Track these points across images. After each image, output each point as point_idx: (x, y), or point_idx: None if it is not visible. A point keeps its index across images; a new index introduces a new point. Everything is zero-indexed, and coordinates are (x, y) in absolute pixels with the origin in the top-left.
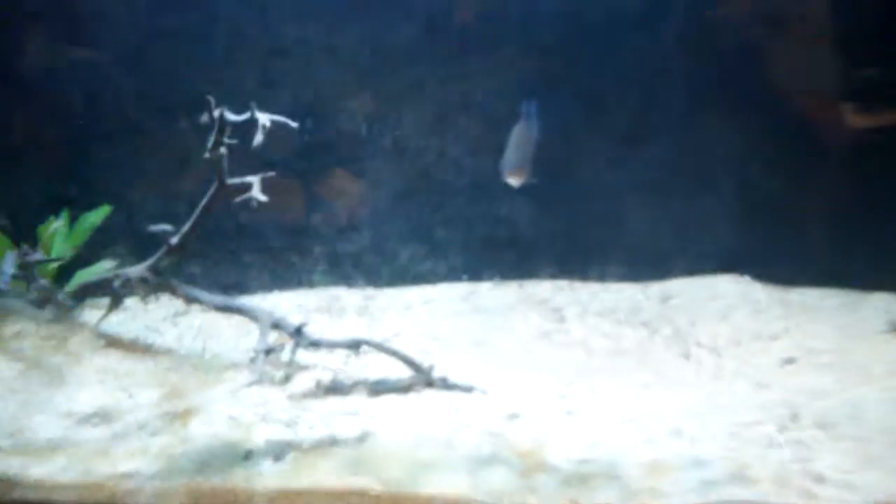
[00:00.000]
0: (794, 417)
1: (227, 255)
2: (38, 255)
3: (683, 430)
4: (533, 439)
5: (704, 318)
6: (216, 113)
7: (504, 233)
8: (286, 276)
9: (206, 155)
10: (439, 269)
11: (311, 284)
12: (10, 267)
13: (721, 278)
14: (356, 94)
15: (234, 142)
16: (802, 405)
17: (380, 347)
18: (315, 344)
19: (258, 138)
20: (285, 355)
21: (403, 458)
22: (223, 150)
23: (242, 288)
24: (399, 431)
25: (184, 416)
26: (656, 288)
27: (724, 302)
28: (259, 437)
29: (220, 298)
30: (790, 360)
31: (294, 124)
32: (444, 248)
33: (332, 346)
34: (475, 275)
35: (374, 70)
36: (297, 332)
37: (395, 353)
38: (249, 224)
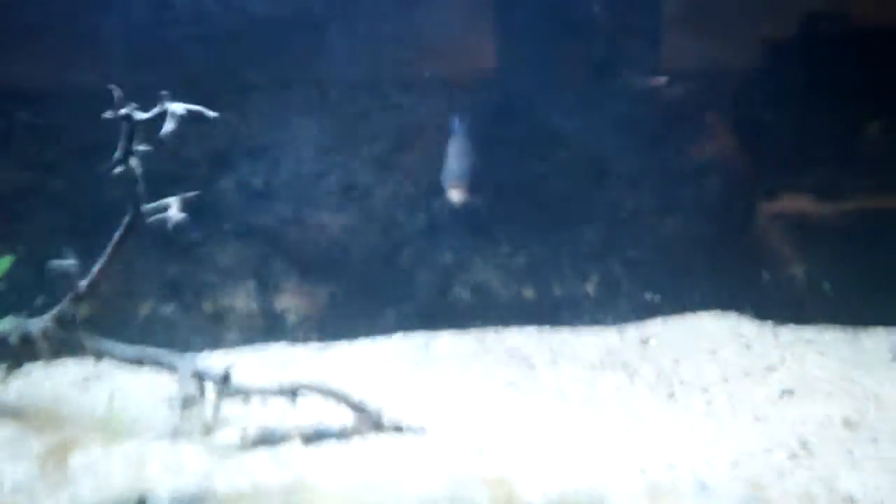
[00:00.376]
0: (804, 444)
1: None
2: None
3: (677, 462)
4: (502, 475)
5: (689, 356)
6: (123, 111)
7: (461, 278)
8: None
9: (116, 169)
10: (392, 319)
11: (252, 341)
12: None
13: (705, 315)
14: (296, 129)
15: (147, 149)
16: (811, 433)
17: (318, 389)
18: (243, 392)
19: (168, 126)
20: (208, 408)
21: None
22: (135, 162)
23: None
24: (340, 478)
25: (73, 477)
26: (633, 330)
27: (709, 339)
28: (163, 489)
29: (133, 349)
30: (789, 392)
31: (212, 114)
32: (397, 296)
33: (264, 392)
34: (431, 324)
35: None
36: (223, 380)
37: (336, 395)
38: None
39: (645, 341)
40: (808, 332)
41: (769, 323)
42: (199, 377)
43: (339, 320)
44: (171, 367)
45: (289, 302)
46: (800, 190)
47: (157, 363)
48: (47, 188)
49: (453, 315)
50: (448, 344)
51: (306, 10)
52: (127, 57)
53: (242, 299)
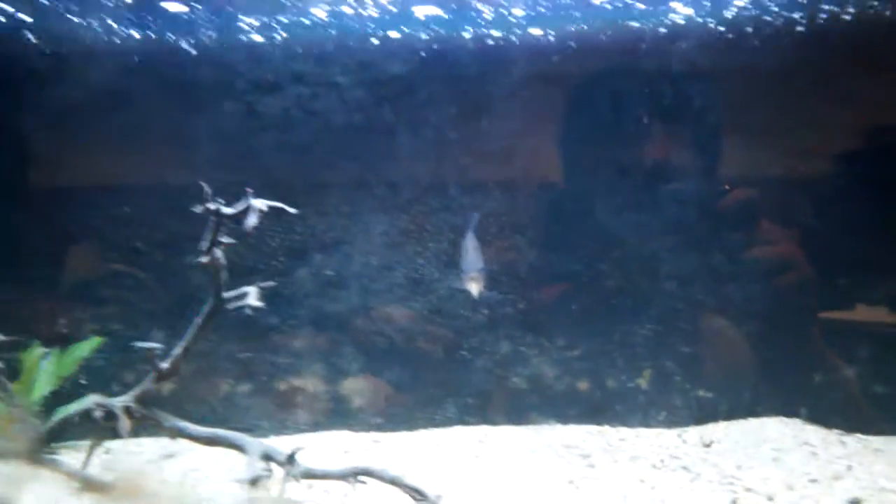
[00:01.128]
0: None
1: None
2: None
3: None
4: None
5: (752, 461)
6: (210, 206)
7: (522, 373)
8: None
9: (202, 259)
10: (452, 410)
11: (319, 424)
12: None
13: (768, 421)
14: (367, 226)
15: (231, 242)
16: None
17: (382, 476)
18: (309, 475)
19: (251, 220)
20: (275, 488)
21: None
22: (219, 253)
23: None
24: None
25: None
26: (694, 431)
27: (773, 445)
28: None
29: (207, 431)
30: (856, 502)
31: (292, 210)
32: (457, 388)
33: (328, 476)
34: (490, 418)
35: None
36: (290, 461)
37: (396, 482)
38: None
39: (707, 444)
40: (877, 442)
41: (835, 431)
42: (267, 458)
43: (402, 409)
44: (241, 448)
45: (355, 388)
46: (868, 300)
47: (229, 443)
48: (136, 274)
49: (511, 407)
50: (506, 437)
51: (379, 118)
52: (217, 158)
53: (312, 383)
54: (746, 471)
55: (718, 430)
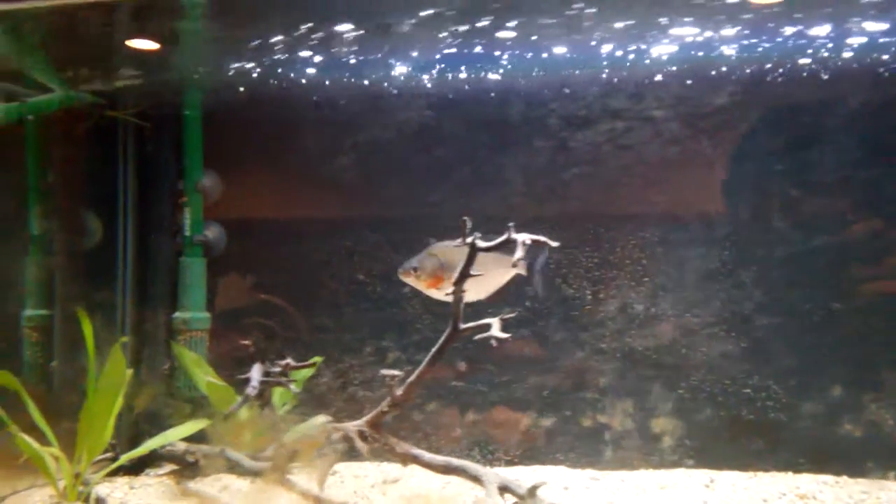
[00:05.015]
0: None
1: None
2: (288, 360)
3: None
4: None
5: None
6: (469, 239)
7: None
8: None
9: (449, 290)
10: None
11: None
12: (257, 375)
13: None
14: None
15: (478, 274)
16: None
17: None
18: None
19: (518, 254)
20: None
21: None
22: (464, 287)
23: None
24: None
25: None
26: None
27: None
28: None
29: (442, 459)
30: None
31: (554, 244)
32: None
33: None
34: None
35: None
36: (531, 494)
37: None
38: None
39: None
40: None
41: None
42: (504, 490)
43: (712, 450)
44: (477, 478)
45: (664, 426)
46: None
47: (465, 473)
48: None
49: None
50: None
51: (697, 151)
52: (528, 192)
53: (619, 419)
54: None
55: None
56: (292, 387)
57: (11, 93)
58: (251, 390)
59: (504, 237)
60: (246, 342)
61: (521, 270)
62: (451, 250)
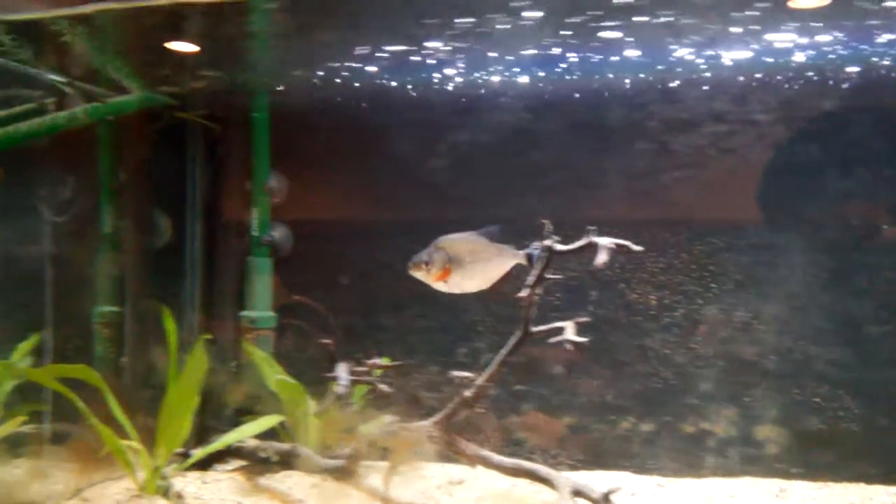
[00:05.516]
0: None
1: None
2: (376, 360)
3: None
4: None
5: None
6: (546, 243)
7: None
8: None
9: (522, 293)
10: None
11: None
12: (344, 373)
13: None
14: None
15: (556, 276)
16: None
17: None
18: None
19: (601, 258)
20: None
21: None
22: (538, 290)
23: None
24: None
25: None
26: None
27: None
28: None
29: (512, 462)
30: None
31: (638, 248)
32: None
33: None
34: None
35: None
36: (605, 499)
37: None
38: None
39: None
40: None
41: None
42: (577, 494)
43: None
44: (548, 482)
45: (769, 433)
46: None
47: (536, 476)
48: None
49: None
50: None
51: (802, 155)
52: (625, 196)
53: (722, 425)
54: None
55: None
56: (383, 387)
57: (90, 93)
58: (341, 389)
59: (584, 241)
60: (327, 341)
61: (522, 260)
62: (457, 243)
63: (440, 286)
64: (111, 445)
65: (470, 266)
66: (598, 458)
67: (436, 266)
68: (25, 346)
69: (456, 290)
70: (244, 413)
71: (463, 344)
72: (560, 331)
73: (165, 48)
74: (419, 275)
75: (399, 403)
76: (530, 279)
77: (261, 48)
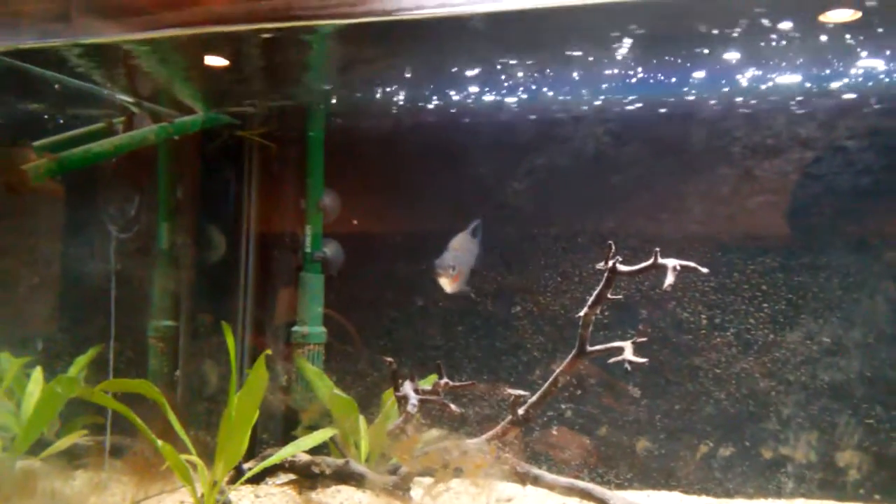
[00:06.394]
0: None
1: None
2: (445, 380)
3: None
4: None
5: None
6: (610, 263)
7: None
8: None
9: (582, 313)
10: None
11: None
12: (412, 393)
13: None
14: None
15: (617, 297)
16: None
17: None
18: None
19: (669, 279)
20: None
21: None
22: (598, 309)
23: None
24: None
25: None
26: None
27: None
28: None
29: (566, 480)
30: None
31: (704, 270)
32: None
33: None
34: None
35: None
36: None
37: None
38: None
39: None
40: None
41: None
42: None
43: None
44: (603, 501)
45: (851, 459)
46: None
47: (588, 495)
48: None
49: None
50: None
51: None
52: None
53: (802, 451)
54: None
55: None
56: (453, 406)
57: (155, 112)
58: (411, 408)
59: (650, 262)
60: (389, 360)
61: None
62: (461, 242)
63: (448, 287)
64: (171, 460)
65: (467, 265)
66: (646, 479)
67: (455, 270)
68: (83, 359)
69: (456, 290)
70: (293, 427)
71: (513, 361)
72: (620, 350)
73: (227, 70)
74: (443, 281)
75: (452, 421)
76: (592, 299)
77: (318, 72)
